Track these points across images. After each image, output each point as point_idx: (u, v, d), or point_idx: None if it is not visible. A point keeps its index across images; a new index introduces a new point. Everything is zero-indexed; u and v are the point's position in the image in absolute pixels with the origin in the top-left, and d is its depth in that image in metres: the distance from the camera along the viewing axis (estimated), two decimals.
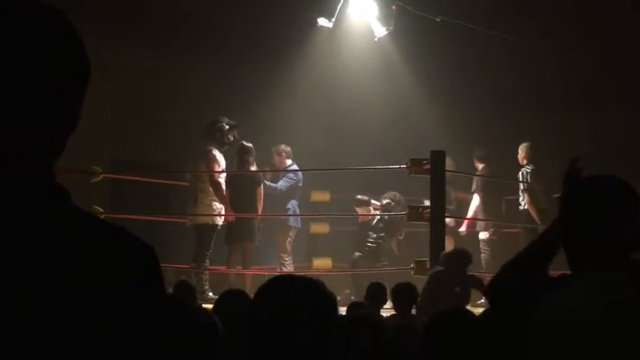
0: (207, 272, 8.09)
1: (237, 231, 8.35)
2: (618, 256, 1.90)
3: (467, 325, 2.84)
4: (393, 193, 9.14)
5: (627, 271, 1.90)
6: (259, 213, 8.55)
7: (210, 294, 7.71)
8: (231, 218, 8.22)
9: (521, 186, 8.92)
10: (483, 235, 9.27)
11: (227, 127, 8.24)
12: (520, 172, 8.98)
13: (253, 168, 8.51)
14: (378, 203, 9.33)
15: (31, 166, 1.07)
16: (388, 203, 9.14)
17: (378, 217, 9.13)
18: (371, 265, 8.83)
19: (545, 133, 10.13)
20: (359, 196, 9.35)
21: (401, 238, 9.41)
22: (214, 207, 8.09)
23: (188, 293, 5.30)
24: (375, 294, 5.59)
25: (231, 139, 8.32)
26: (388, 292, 5.59)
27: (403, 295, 5.35)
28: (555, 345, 1.81)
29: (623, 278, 1.87)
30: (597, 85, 10.22)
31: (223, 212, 8.11)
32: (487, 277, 9.19)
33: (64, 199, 1.09)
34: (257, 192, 8.48)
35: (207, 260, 8.12)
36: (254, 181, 8.49)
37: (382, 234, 9.12)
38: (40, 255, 1.02)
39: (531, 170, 8.89)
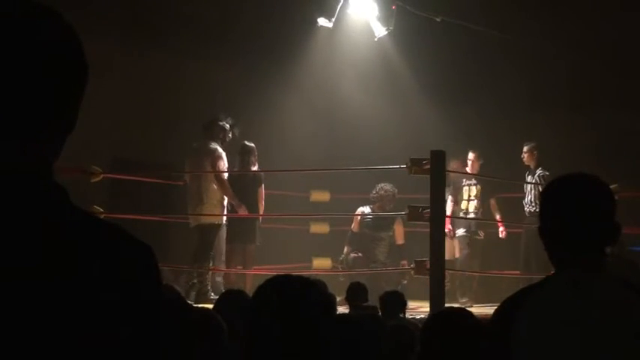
0: (209, 273, 8.08)
1: (238, 231, 8.35)
2: (595, 254, 1.97)
3: (466, 325, 2.84)
4: (381, 185, 9.01)
5: (603, 267, 1.97)
6: (261, 213, 8.55)
7: (212, 294, 7.70)
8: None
9: (536, 189, 8.89)
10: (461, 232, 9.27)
11: (228, 125, 8.27)
12: (536, 176, 8.98)
13: (255, 168, 8.52)
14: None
15: (32, 166, 1.08)
16: (374, 195, 9.02)
17: (369, 216, 9.06)
18: (365, 266, 8.78)
19: (545, 133, 10.14)
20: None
21: (392, 234, 9.15)
22: (220, 206, 8.10)
23: (174, 297, 5.25)
24: (355, 294, 5.57)
25: (231, 136, 8.35)
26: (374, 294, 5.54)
27: (390, 303, 5.33)
28: (536, 343, 1.86)
29: (598, 275, 1.95)
30: (598, 84, 10.23)
31: (226, 211, 8.12)
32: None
33: (64, 198, 1.09)
34: (259, 192, 8.48)
35: (211, 261, 8.11)
36: (256, 181, 8.49)
37: (374, 233, 9.06)
38: (39, 255, 1.02)
39: (549, 173, 8.89)
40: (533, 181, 9.00)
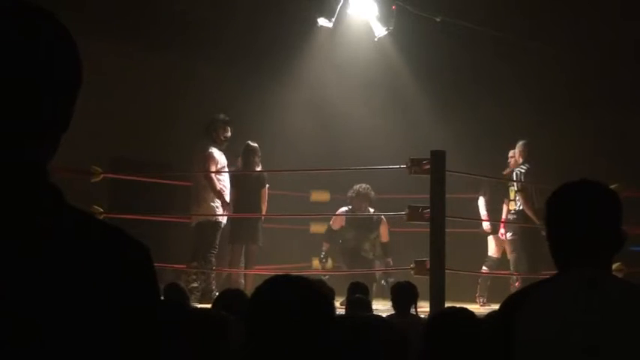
0: (213, 272, 8.09)
1: (241, 232, 8.36)
2: (602, 255, 2.03)
3: (468, 323, 2.84)
4: (359, 185, 9.02)
5: (610, 267, 2.05)
6: (264, 214, 8.56)
7: (216, 294, 7.69)
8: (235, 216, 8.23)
9: (515, 186, 8.87)
10: (509, 237, 9.17)
11: (220, 123, 8.24)
12: (514, 172, 8.92)
13: (258, 168, 8.52)
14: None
15: (26, 167, 1.07)
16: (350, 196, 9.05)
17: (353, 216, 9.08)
18: (350, 267, 8.79)
19: (545, 133, 10.13)
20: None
21: (375, 236, 9.14)
22: (217, 205, 8.10)
23: (179, 296, 5.26)
24: (355, 293, 5.54)
25: (228, 135, 8.29)
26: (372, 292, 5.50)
27: (402, 293, 5.29)
28: (541, 341, 1.89)
29: (606, 274, 2.01)
30: (598, 85, 10.22)
31: (221, 209, 8.11)
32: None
33: (58, 198, 1.09)
34: (262, 193, 8.50)
35: (214, 260, 8.11)
36: (259, 182, 8.50)
37: (357, 233, 9.07)
38: (32, 256, 1.02)
39: (526, 170, 8.81)
40: (514, 179, 8.95)
